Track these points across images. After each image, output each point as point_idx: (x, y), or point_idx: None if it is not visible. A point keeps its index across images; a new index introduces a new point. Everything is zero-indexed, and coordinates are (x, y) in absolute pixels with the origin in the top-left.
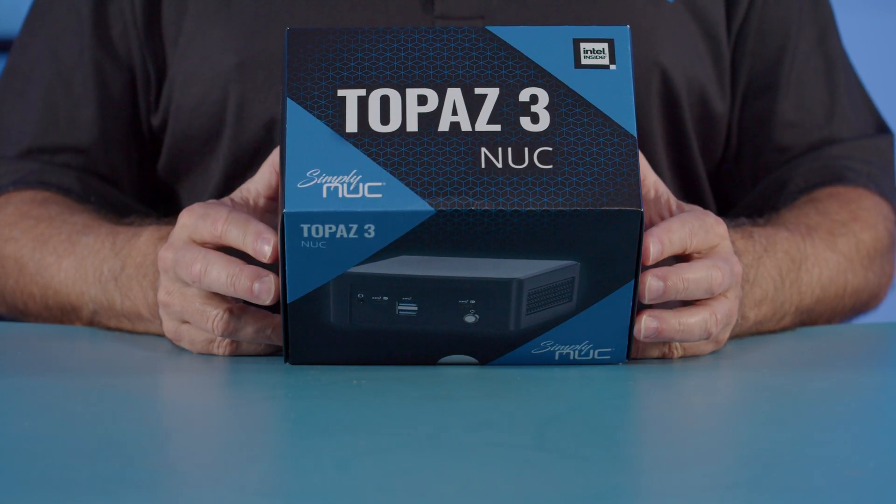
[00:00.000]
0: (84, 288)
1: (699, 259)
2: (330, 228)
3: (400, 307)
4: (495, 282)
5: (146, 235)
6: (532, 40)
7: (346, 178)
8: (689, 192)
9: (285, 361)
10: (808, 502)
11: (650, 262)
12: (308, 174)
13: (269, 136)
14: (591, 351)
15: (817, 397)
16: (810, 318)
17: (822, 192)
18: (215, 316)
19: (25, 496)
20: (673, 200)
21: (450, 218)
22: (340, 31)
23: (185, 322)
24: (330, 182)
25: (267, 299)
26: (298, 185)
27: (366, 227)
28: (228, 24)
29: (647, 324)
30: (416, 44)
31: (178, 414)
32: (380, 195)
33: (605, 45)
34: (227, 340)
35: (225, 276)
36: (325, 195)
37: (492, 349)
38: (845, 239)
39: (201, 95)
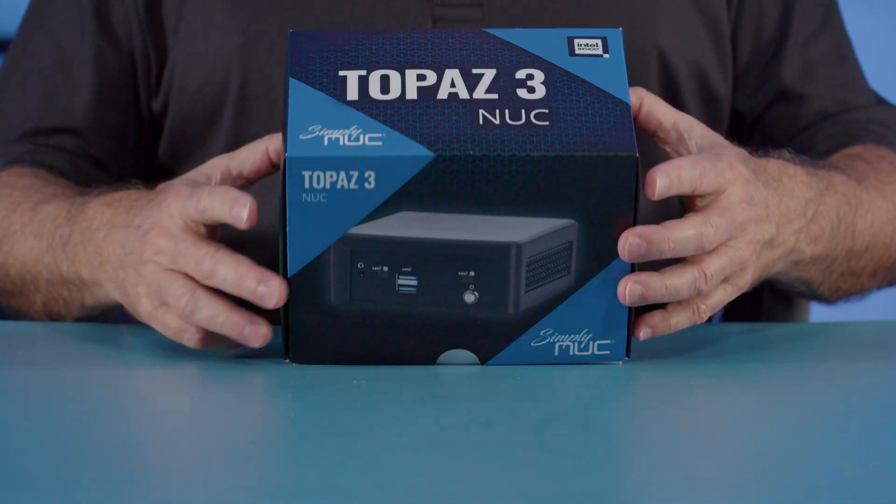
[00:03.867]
0: (39, 255)
1: (691, 217)
2: (331, 177)
3: (400, 281)
4: (494, 246)
5: (95, 201)
6: (527, 38)
7: (346, 131)
8: None
9: (285, 358)
10: (808, 502)
11: (656, 196)
12: (310, 129)
13: (271, 119)
14: (591, 343)
15: (817, 397)
16: (857, 265)
17: (850, 149)
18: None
19: (25, 496)
20: (694, 141)
21: (449, 164)
22: (341, 33)
23: (164, 304)
24: (331, 134)
25: (270, 303)
26: (300, 137)
27: (366, 174)
28: (231, 7)
29: (631, 290)
30: (414, 40)
31: (178, 414)
32: (380, 143)
33: (598, 41)
34: (195, 335)
35: (232, 276)
36: (326, 144)
37: (491, 342)
38: (893, 188)
39: (204, 77)
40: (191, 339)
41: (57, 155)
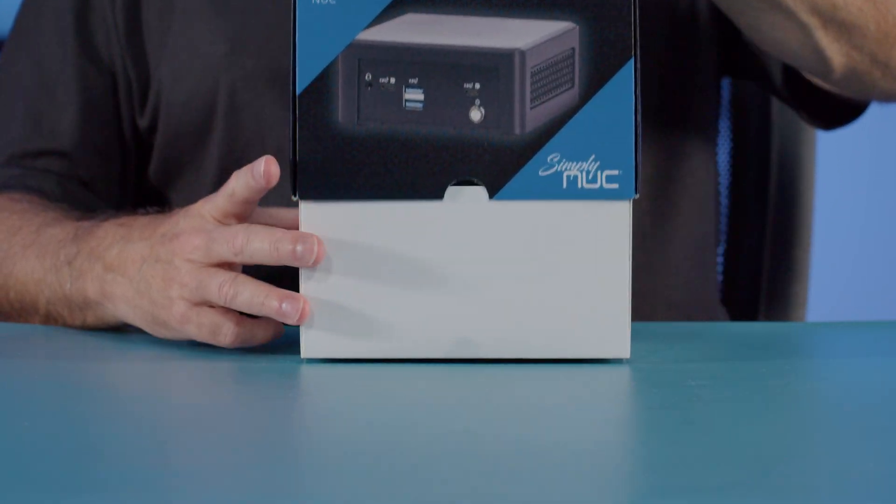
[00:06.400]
0: (41, 275)
1: None
2: None
3: (406, 95)
4: (498, 54)
5: (106, 223)
6: None
7: None
8: None
9: (293, 196)
10: (808, 502)
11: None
12: None
13: (260, 127)
14: (599, 174)
15: (817, 397)
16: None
17: None
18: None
19: (25, 496)
20: None
21: None
22: None
23: (198, 305)
24: None
25: (310, 260)
26: None
27: None
28: (217, 17)
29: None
30: None
31: (178, 414)
32: None
33: None
34: (233, 328)
35: (268, 243)
36: None
37: (499, 169)
38: None
39: (192, 88)
40: (227, 334)
41: (45, 178)
